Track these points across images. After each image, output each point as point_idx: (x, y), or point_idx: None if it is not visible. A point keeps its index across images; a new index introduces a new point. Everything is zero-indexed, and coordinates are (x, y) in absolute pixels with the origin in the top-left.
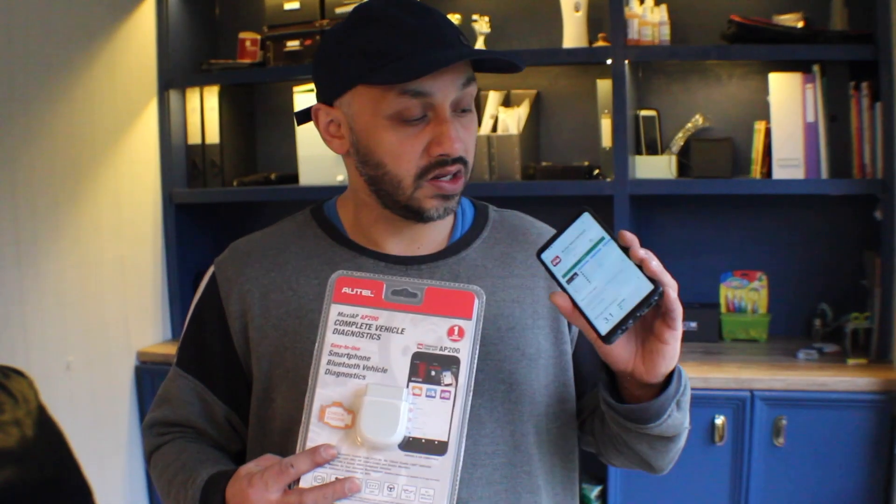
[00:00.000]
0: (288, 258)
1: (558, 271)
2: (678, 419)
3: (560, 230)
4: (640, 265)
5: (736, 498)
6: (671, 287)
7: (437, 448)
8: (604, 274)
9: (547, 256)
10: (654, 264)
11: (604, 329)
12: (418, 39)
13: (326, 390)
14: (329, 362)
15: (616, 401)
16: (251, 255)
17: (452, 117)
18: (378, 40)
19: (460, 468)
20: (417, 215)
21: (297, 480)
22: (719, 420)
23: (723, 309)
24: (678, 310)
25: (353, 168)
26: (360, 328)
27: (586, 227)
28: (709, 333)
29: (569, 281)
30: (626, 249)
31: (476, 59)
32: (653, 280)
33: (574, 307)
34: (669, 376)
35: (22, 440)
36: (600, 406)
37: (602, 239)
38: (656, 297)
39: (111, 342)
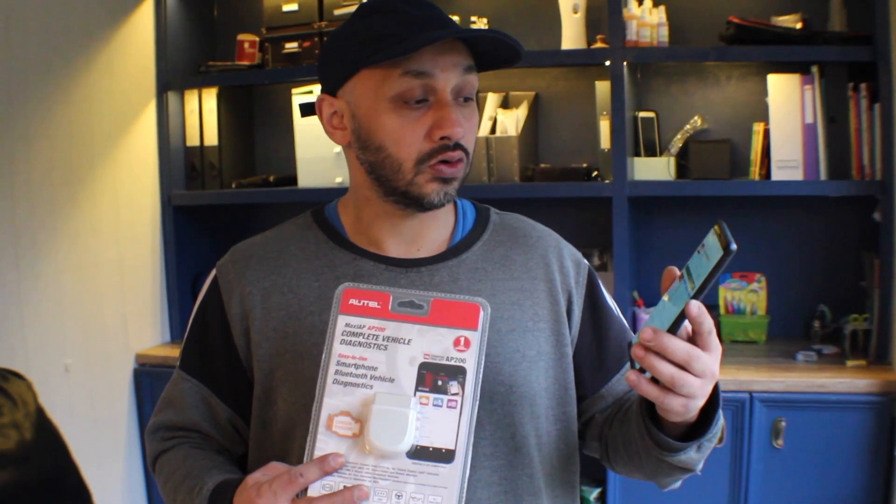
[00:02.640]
0: (288, 260)
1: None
2: (693, 459)
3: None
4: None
5: (735, 500)
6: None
7: (445, 456)
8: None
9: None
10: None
11: None
12: (420, 24)
13: (334, 399)
14: (336, 372)
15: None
16: (252, 258)
17: (455, 104)
18: (380, 26)
19: (467, 476)
20: (417, 202)
21: (306, 490)
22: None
23: (722, 310)
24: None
25: (354, 160)
26: (368, 339)
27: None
28: None
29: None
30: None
31: (474, 41)
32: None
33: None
34: (712, 415)
35: (21, 443)
36: (622, 411)
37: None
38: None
39: (110, 344)
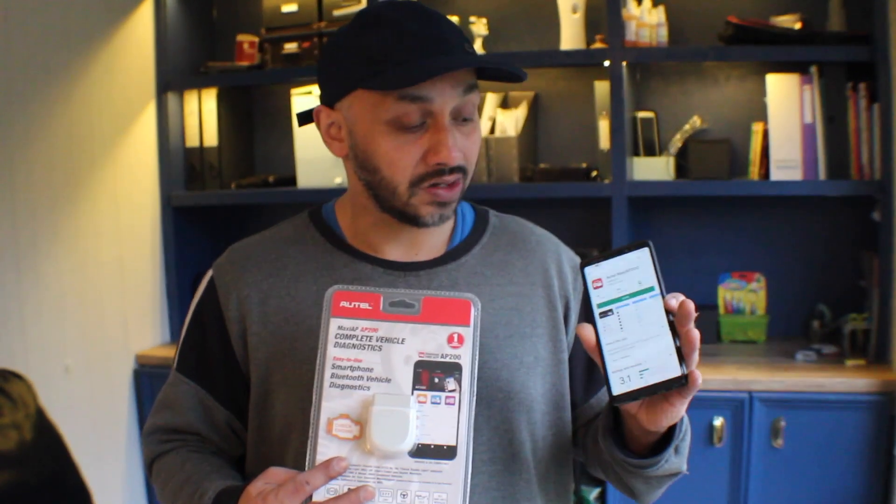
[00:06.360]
0: (286, 263)
1: (595, 298)
2: (675, 464)
3: (613, 252)
4: (679, 345)
5: (735, 499)
6: (699, 376)
7: (447, 453)
8: (639, 329)
9: (590, 273)
10: (695, 354)
11: (616, 390)
12: (419, 46)
13: (332, 403)
14: (333, 375)
15: (617, 431)
16: (250, 260)
17: (452, 125)
18: (379, 45)
19: (470, 471)
20: (413, 221)
21: (311, 496)
22: (718, 422)
23: (721, 310)
24: (696, 389)
25: (352, 172)
26: (361, 340)
27: (641, 265)
28: (707, 335)
29: (602, 315)
30: (668, 312)
31: (477, 67)
32: (683, 364)
33: (597, 345)
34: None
35: (21, 443)
36: (592, 429)
37: (651, 289)
38: (681, 384)
39: (110, 345)
